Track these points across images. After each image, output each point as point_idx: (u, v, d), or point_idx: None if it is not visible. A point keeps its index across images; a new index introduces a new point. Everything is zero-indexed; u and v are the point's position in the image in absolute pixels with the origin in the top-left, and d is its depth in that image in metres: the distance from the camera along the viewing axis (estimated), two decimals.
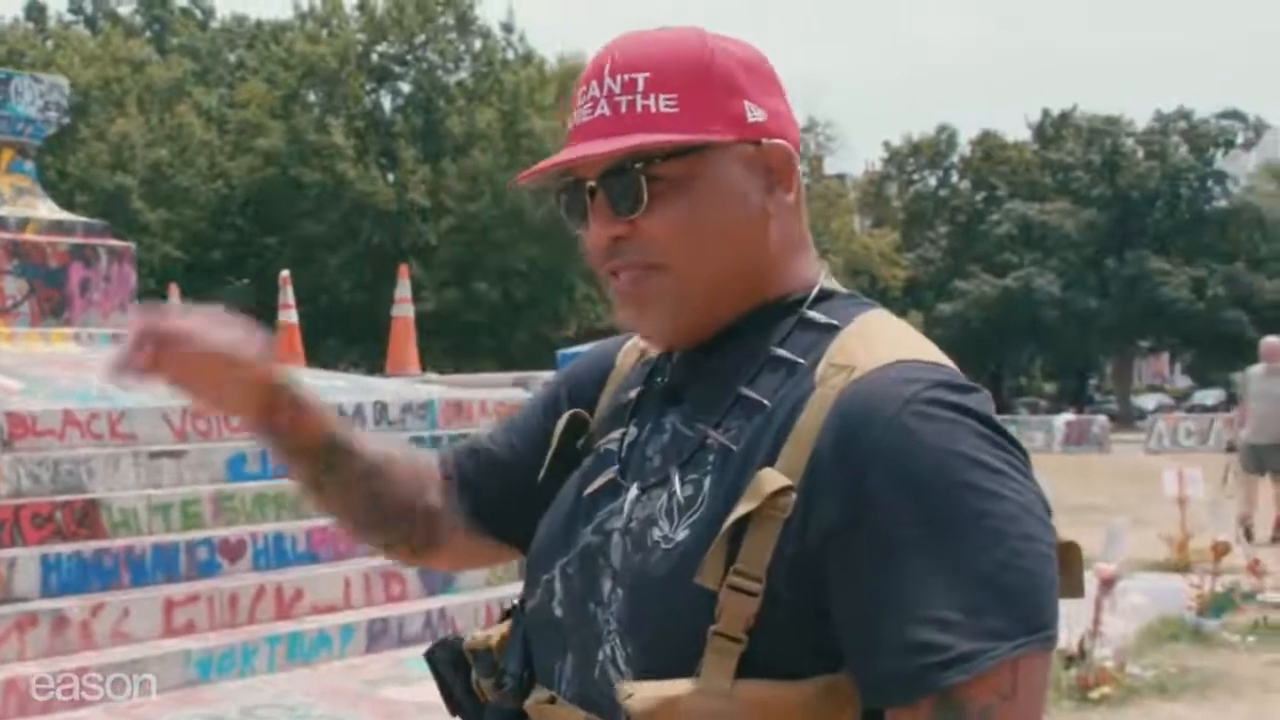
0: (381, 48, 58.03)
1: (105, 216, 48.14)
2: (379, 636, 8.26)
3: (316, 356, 50.06)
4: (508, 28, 59.23)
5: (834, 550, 1.41)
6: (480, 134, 53.57)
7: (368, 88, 58.05)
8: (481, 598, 8.94)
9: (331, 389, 10.87)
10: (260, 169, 53.62)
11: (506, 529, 1.87)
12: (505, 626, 1.74)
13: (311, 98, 56.38)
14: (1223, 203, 66.04)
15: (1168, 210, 65.22)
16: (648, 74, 1.57)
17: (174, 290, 18.34)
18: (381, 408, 10.43)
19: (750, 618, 1.42)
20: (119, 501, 8.27)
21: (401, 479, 1.88)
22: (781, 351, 1.56)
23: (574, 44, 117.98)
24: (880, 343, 1.52)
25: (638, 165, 1.55)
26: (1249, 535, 13.26)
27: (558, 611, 1.63)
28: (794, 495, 1.43)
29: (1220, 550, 10.76)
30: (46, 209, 11.58)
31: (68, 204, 47.39)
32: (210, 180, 54.28)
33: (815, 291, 1.62)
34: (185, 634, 7.67)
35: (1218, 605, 10.26)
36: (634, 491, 1.59)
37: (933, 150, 69.94)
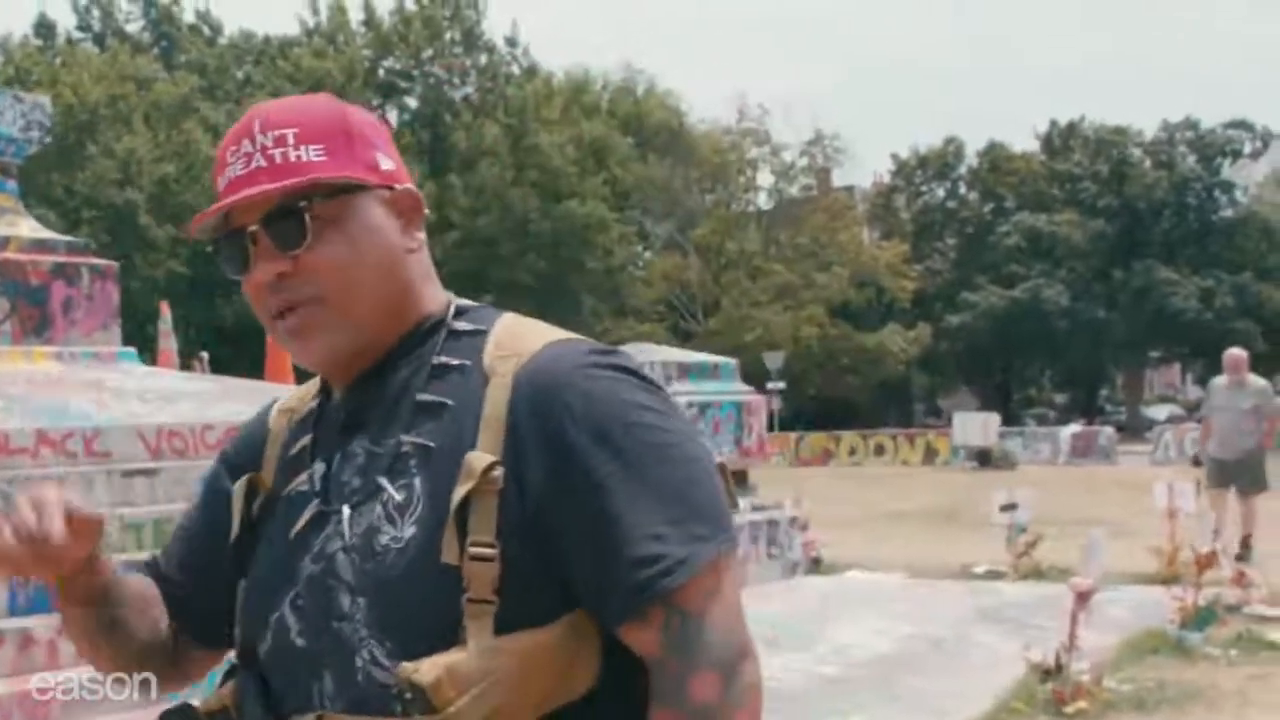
0: (388, 63, 58.24)
1: (112, 233, 48.72)
2: None
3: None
4: (512, 42, 59.56)
5: (550, 501, 1.64)
6: (487, 149, 53.68)
7: (374, 103, 58.16)
8: None
9: None
10: None
11: (210, 630, 2.01)
12: (232, 684, 1.85)
13: None
14: (1229, 212, 66.00)
15: (1175, 220, 65.18)
16: (296, 129, 1.77)
17: (165, 309, 18.28)
18: None
19: (495, 580, 1.62)
20: None
21: (131, 601, 2.00)
22: (443, 359, 1.78)
23: (579, 57, 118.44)
24: (528, 333, 1.78)
25: (301, 203, 1.74)
26: (1240, 548, 13.16)
27: (299, 642, 1.75)
28: (500, 468, 1.65)
29: (1204, 563, 10.74)
30: (28, 227, 11.57)
31: (75, 220, 47.99)
32: (217, 197, 54.37)
33: (453, 309, 1.85)
34: None
35: (1200, 618, 10.22)
36: (346, 511, 1.74)
37: (940, 162, 69.94)
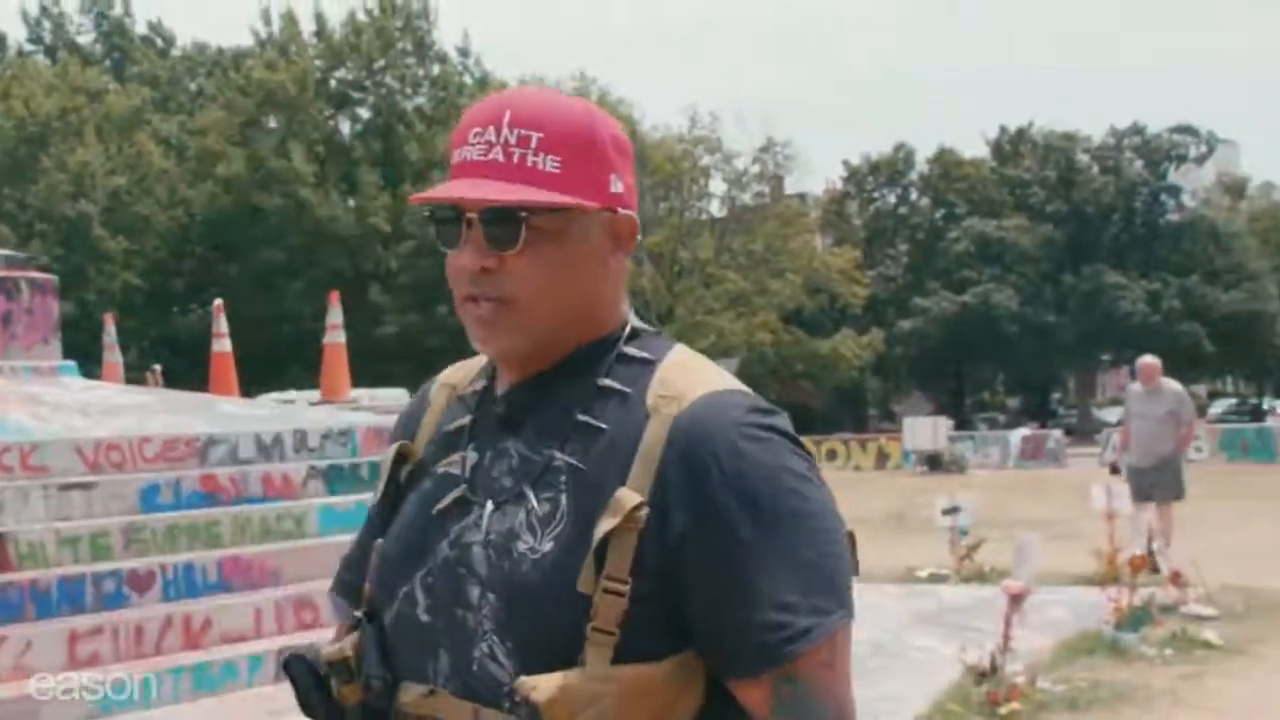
0: (340, 73, 58.07)
1: (66, 245, 48.43)
2: None
3: (280, 384, 50.12)
4: (464, 52, 59.48)
5: (687, 551, 1.70)
6: (440, 158, 53.59)
7: (327, 114, 58.05)
8: None
9: (253, 417, 10.88)
10: (220, 196, 53.57)
11: None
12: (355, 637, 1.89)
13: (271, 124, 56.35)
14: (1176, 217, 66.60)
15: (1123, 225, 65.74)
16: (541, 134, 1.79)
17: (110, 322, 18.21)
18: (301, 436, 10.43)
19: (621, 614, 1.68)
20: (26, 535, 8.25)
21: None
22: (608, 382, 1.82)
23: (531, 67, 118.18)
24: (695, 375, 1.81)
25: (523, 214, 1.77)
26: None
27: (424, 618, 1.83)
28: (646, 509, 1.70)
29: (1138, 565, 10.85)
30: None
31: (28, 234, 47.67)
32: (170, 208, 54.23)
33: (627, 330, 1.88)
34: (89, 666, 7.64)
35: (1135, 619, 10.33)
36: (489, 506, 1.81)
37: (891, 168, 70.21)
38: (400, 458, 1.98)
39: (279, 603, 8.66)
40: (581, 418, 1.79)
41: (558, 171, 1.77)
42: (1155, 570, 11.92)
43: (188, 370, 34.54)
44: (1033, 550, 9.29)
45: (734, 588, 1.68)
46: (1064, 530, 16.73)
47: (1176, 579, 11.61)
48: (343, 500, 10.15)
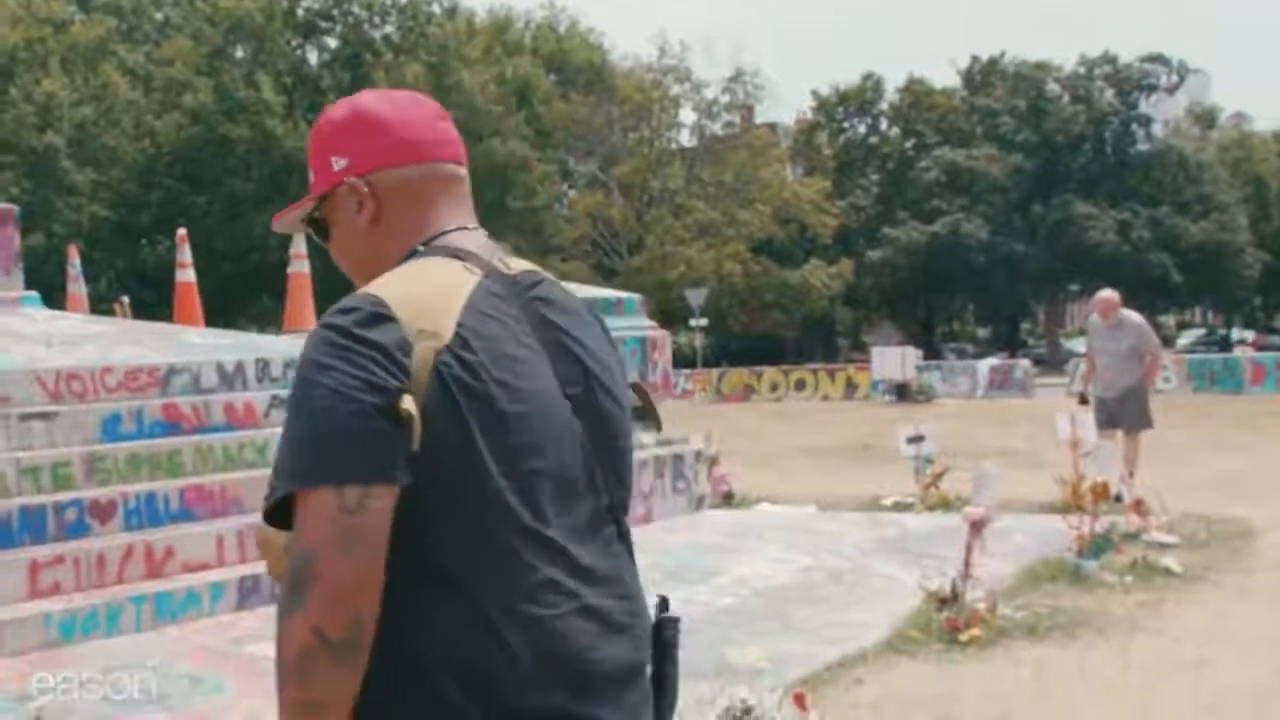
0: (307, 2, 57.61)
1: (33, 177, 48.00)
2: (250, 594, 8.19)
3: (249, 315, 49.97)
4: None
5: None
6: (408, 87, 53.10)
7: (294, 43, 57.63)
8: None
9: (215, 346, 10.83)
10: (187, 127, 53.20)
11: None
12: None
13: (239, 54, 55.94)
14: (1146, 147, 66.60)
15: (1093, 154, 65.75)
16: (313, 148, 2.34)
17: (73, 253, 18.05)
18: (263, 365, 10.39)
19: None
20: None
21: None
22: None
23: None
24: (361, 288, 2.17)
25: (316, 214, 2.36)
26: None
27: None
28: None
29: (1100, 493, 10.90)
30: None
31: None
32: (137, 139, 53.83)
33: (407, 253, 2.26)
34: (50, 596, 7.62)
35: (1097, 546, 10.38)
36: None
37: (861, 98, 70.10)
38: None
39: (241, 531, 8.62)
40: None
41: (314, 178, 2.33)
42: (1118, 499, 11.97)
43: (156, 302, 34.38)
44: (992, 478, 9.31)
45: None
46: (1030, 459, 16.82)
47: (1139, 507, 11.67)
48: None
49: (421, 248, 2.24)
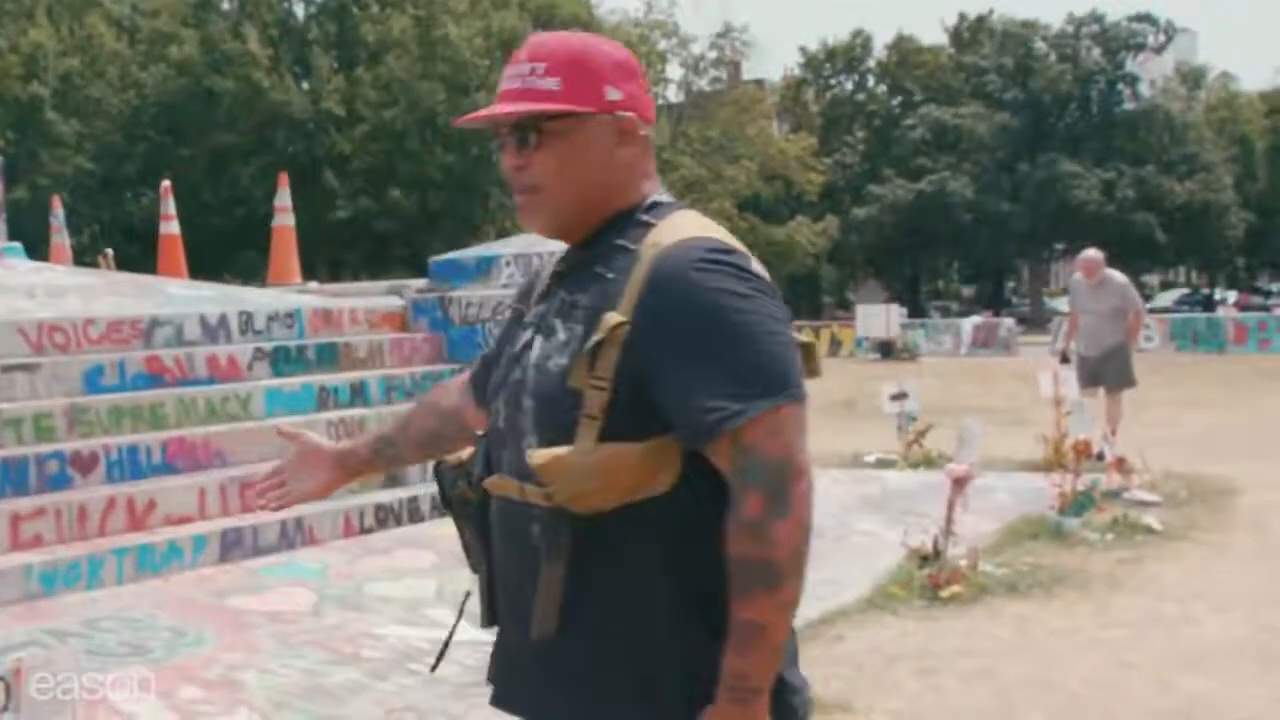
0: None
1: (18, 129, 47.74)
2: (232, 547, 8.18)
3: (234, 269, 49.78)
4: None
5: (650, 356, 2.27)
6: (394, 41, 53.03)
7: None
8: (340, 505, 8.92)
9: (198, 299, 10.81)
10: (173, 79, 52.85)
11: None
12: (472, 450, 2.66)
13: (224, 5, 55.61)
14: (1132, 106, 66.53)
15: (1079, 113, 65.71)
16: (545, 64, 2.44)
17: (57, 204, 17.99)
18: (247, 317, 10.36)
19: (605, 404, 2.29)
20: None
21: (423, 424, 2.99)
22: (621, 241, 2.42)
23: None
24: (678, 228, 2.38)
25: (535, 121, 2.42)
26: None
27: (501, 424, 2.50)
28: (627, 327, 2.29)
29: (1081, 450, 10.92)
30: None
31: None
32: (122, 91, 53.54)
33: (648, 203, 2.48)
34: (31, 548, 7.60)
35: (1078, 504, 10.42)
36: (539, 339, 2.45)
37: (848, 55, 69.90)
38: (516, 314, 2.66)
39: (223, 484, 8.61)
40: (598, 269, 2.41)
41: (558, 89, 2.41)
42: (1099, 457, 12.00)
43: (140, 255, 34.25)
44: (975, 434, 9.31)
45: (682, 383, 2.25)
46: (1012, 417, 16.84)
47: (1120, 465, 11.71)
48: (288, 382, 10.10)
49: (664, 200, 2.50)
